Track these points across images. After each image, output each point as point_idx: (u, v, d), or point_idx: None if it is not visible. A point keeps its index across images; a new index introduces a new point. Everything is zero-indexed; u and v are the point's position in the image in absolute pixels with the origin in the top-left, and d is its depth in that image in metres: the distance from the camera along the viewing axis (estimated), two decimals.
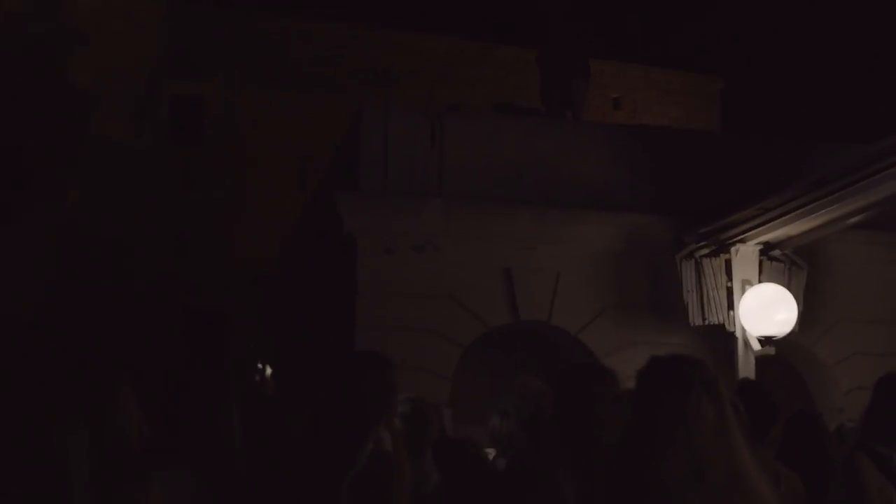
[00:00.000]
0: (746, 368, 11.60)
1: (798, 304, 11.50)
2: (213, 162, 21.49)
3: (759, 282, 11.72)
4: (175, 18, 21.48)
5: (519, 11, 24.87)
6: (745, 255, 11.80)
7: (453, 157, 12.31)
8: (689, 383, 3.35)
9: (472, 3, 25.08)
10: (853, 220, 10.87)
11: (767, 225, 11.35)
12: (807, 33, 22.34)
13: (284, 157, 21.82)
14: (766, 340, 11.48)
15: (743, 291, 11.69)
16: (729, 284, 11.83)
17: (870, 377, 12.40)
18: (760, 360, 11.60)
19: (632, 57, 24.99)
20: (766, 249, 11.83)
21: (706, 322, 11.88)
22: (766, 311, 11.40)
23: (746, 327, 11.53)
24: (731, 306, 11.80)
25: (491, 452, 6.23)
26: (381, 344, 11.66)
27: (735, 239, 11.75)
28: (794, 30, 23.21)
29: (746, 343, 11.65)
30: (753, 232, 11.56)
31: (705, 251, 11.97)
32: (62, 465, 3.43)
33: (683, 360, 3.53)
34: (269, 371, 8.29)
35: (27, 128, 17.89)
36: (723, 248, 11.88)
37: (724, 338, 11.89)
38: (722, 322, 11.82)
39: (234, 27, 21.75)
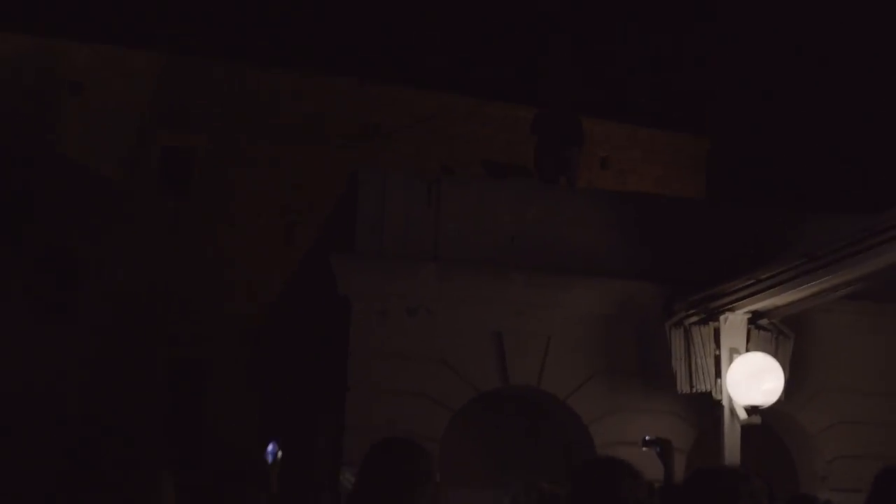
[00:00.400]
0: (732, 436, 11.72)
1: (784, 374, 11.64)
2: (201, 214, 21.57)
3: (747, 350, 11.85)
4: (168, 71, 21.63)
5: (510, 69, 25.18)
6: (734, 323, 11.94)
7: (449, 221, 12.47)
8: (736, 495, 3.42)
9: (462, 61, 25.32)
10: (841, 291, 11.05)
11: (757, 295, 11.51)
12: (799, 97, 22.63)
13: (272, 211, 21.91)
14: (752, 409, 11.61)
15: (731, 360, 11.82)
16: (717, 352, 11.96)
17: (853, 446, 12.65)
18: (746, 428, 11.72)
19: (619, 116, 25.24)
20: (755, 318, 11.97)
21: (694, 390, 12.00)
22: (754, 380, 11.53)
23: (733, 396, 11.65)
24: (718, 374, 11.92)
25: None
26: (371, 406, 11.81)
27: (724, 308, 11.89)
28: (786, 92, 23.50)
29: (733, 411, 11.76)
30: (742, 301, 11.71)
31: (695, 319, 12.11)
32: None
33: (729, 472, 3.61)
34: (279, 455, 8.19)
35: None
36: (712, 316, 12.02)
37: (710, 405, 12.02)
38: (709, 390, 11.94)
39: (227, 81, 21.90)
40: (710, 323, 12.04)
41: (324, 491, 11.90)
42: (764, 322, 12.01)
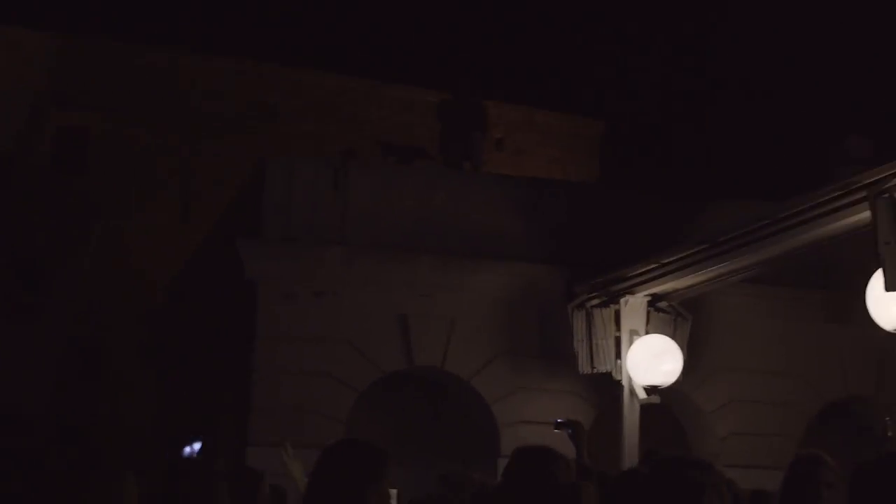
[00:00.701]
0: (632, 416, 12.02)
1: (683, 355, 11.98)
2: (96, 193, 21.28)
3: (646, 332, 12.16)
4: (64, 51, 21.29)
5: (406, 52, 25.27)
6: (634, 306, 12.24)
7: (355, 205, 12.58)
8: (701, 487, 3.55)
9: (359, 42, 25.34)
10: (739, 276, 11.41)
11: (658, 279, 11.83)
12: (696, 84, 23.10)
13: (167, 191, 21.72)
14: (651, 389, 11.92)
15: (630, 341, 12.11)
16: (617, 334, 12.25)
17: (745, 424, 13.07)
18: (644, 407, 12.03)
19: (515, 97, 25.49)
20: (654, 301, 12.28)
21: (595, 370, 12.28)
22: (653, 361, 11.84)
23: (633, 377, 11.95)
24: (618, 355, 12.21)
25: None
26: (278, 388, 11.90)
27: (625, 291, 12.18)
28: (683, 78, 23.96)
29: (632, 391, 12.06)
30: (643, 285, 12.02)
31: (596, 302, 12.38)
32: None
33: (693, 463, 3.73)
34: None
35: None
36: (613, 299, 12.31)
37: (610, 386, 12.31)
38: (610, 370, 12.22)
39: (123, 62, 21.63)
40: (611, 305, 12.32)
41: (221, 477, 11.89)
42: (663, 304, 12.32)
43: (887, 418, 7.11)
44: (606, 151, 25.97)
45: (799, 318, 13.37)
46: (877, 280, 8.55)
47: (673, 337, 12.15)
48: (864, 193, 8.71)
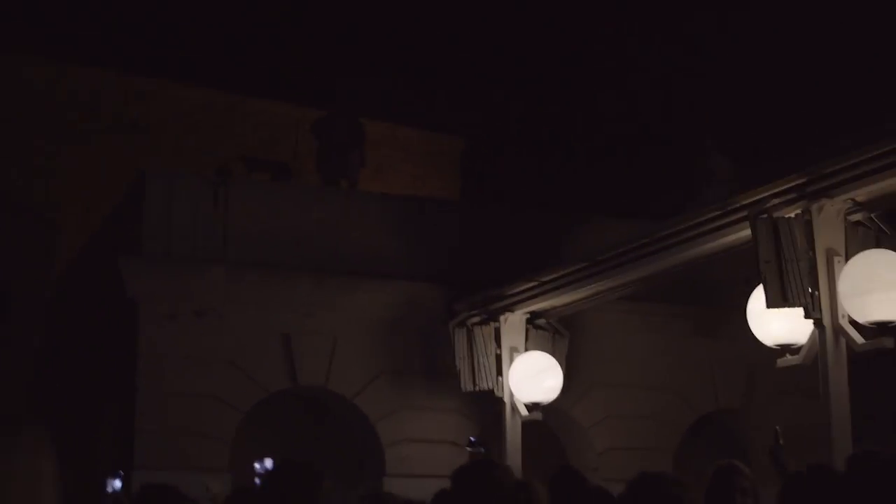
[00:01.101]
0: (514, 432, 12.21)
1: (562, 371, 12.22)
2: None
3: (526, 349, 12.38)
4: None
5: (270, 66, 25.13)
6: (513, 323, 12.44)
7: (236, 223, 12.53)
8: (680, 502, 3.74)
9: (222, 56, 25.11)
10: (618, 293, 11.72)
11: (538, 296, 12.06)
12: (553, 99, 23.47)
13: (27, 205, 21.19)
14: (533, 406, 12.13)
15: (511, 358, 12.32)
16: (498, 352, 12.43)
17: (622, 438, 13.37)
18: (525, 423, 12.24)
19: (378, 114, 25.57)
20: (533, 318, 12.51)
21: (477, 388, 12.42)
22: (535, 378, 12.06)
23: (516, 394, 12.15)
24: (500, 372, 12.39)
25: None
26: (162, 409, 11.76)
27: (504, 308, 12.38)
28: (536, 91, 24.34)
29: (514, 408, 12.26)
30: (522, 302, 12.24)
31: (476, 319, 12.55)
32: None
33: (670, 480, 3.93)
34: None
35: None
36: (492, 316, 12.49)
37: (492, 403, 12.50)
38: (491, 388, 12.39)
39: None
40: (491, 323, 12.50)
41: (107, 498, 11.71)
42: (541, 322, 12.55)
43: (776, 427, 7.40)
44: (466, 168, 26.24)
45: (671, 333, 13.75)
46: (757, 297, 8.90)
47: (552, 353, 12.39)
48: (744, 213, 9.06)
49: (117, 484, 9.83)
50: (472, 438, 8.80)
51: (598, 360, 13.33)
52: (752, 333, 9.04)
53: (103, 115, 22.09)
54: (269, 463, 7.05)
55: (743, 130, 16.32)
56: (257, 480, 7.03)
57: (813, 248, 8.41)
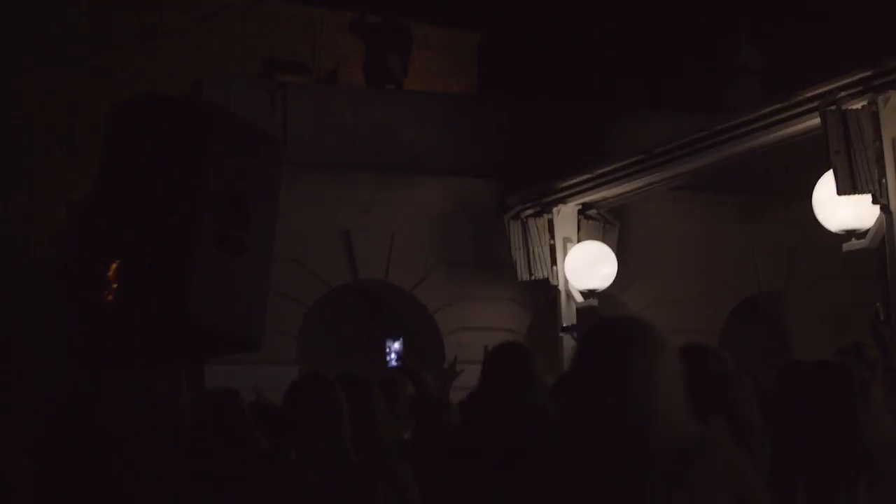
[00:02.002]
0: (569, 318, 12.71)
1: (616, 260, 12.69)
2: None
3: (579, 239, 12.84)
4: None
5: None
6: (566, 215, 12.89)
7: (293, 126, 12.83)
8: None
9: None
10: (667, 184, 12.15)
11: (589, 188, 12.49)
12: None
13: (53, 114, 21.37)
14: (589, 293, 12.64)
15: (565, 248, 12.79)
16: (552, 242, 12.90)
17: (669, 321, 13.86)
18: (581, 310, 12.74)
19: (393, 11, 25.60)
20: (584, 209, 12.96)
21: (532, 277, 12.91)
22: (590, 266, 12.54)
23: (572, 281, 12.64)
24: (553, 262, 12.88)
25: None
26: None
27: (557, 200, 12.81)
28: None
29: (569, 295, 12.77)
30: (575, 195, 12.67)
31: (530, 212, 12.99)
32: None
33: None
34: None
35: None
36: (545, 208, 12.94)
37: (547, 291, 13.00)
38: (546, 276, 12.88)
39: None
40: (544, 215, 12.95)
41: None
42: (593, 212, 13.01)
43: (878, 303, 7.78)
44: (483, 62, 26.39)
45: (715, 220, 14.18)
46: (823, 185, 9.33)
47: (603, 242, 12.86)
48: (808, 106, 9.47)
49: None
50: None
51: (646, 247, 13.74)
52: (805, 218, 9.47)
53: (119, 23, 22.13)
54: (397, 345, 7.24)
55: (775, 24, 16.52)
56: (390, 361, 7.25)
57: (880, 138, 8.82)
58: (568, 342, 12.38)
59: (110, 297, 3.62)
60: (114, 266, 3.64)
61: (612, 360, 3.14)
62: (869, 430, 3.89)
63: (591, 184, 12.42)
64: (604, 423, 3.06)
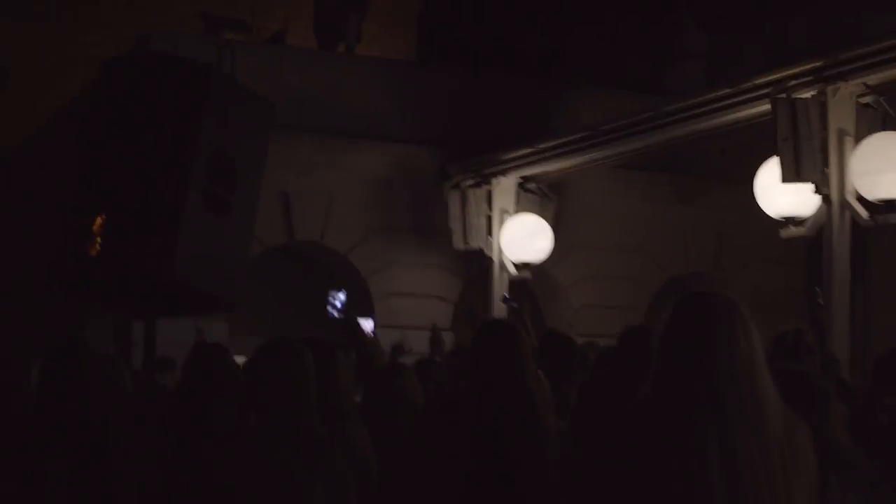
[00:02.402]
0: (500, 289, 12.78)
1: (552, 234, 12.78)
2: None
3: (516, 212, 12.91)
4: None
5: None
6: (505, 187, 12.96)
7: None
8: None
9: None
10: (610, 161, 12.28)
11: (530, 162, 12.57)
12: None
13: None
14: (523, 266, 12.73)
15: (501, 220, 12.87)
16: (489, 213, 12.98)
17: (597, 297, 14.04)
18: (514, 282, 12.82)
19: None
20: (523, 183, 13.03)
21: (468, 247, 12.98)
22: (526, 239, 12.63)
23: (507, 253, 12.72)
24: (490, 233, 12.95)
25: None
26: None
27: (497, 172, 12.88)
28: None
29: (502, 266, 12.85)
30: (516, 167, 12.74)
31: (470, 182, 13.05)
32: None
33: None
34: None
35: None
36: (485, 180, 13.00)
37: (478, 261, 13.09)
38: (482, 247, 12.94)
39: None
40: (484, 186, 13.02)
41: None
42: (531, 186, 13.09)
43: (816, 288, 7.98)
44: (424, 29, 26.27)
45: (649, 199, 14.37)
46: (766, 172, 9.49)
47: (540, 216, 12.94)
48: (757, 93, 9.62)
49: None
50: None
51: (580, 223, 13.86)
52: (737, 202, 9.63)
53: None
54: (342, 296, 7.01)
55: (718, 7, 16.67)
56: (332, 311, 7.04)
57: (826, 128, 9.00)
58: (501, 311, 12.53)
59: (93, 252, 3.59)
60: (98, 220, 3.60)
61: (723, 331, 3.31)
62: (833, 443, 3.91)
63: (533, 158, 12.52)
64: (717, 388, 3.23)
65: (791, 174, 9.01)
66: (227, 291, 3.84)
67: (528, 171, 12.83)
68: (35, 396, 4.74)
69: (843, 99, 9.02)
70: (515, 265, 12.75)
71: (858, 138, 8.91)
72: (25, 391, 5.30)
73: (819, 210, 9.10)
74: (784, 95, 9.18)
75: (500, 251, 12.81)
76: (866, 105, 9.09)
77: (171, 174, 3.59)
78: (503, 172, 12.87)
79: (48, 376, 4.53)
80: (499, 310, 12.64)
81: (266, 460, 4.28)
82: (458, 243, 13.01)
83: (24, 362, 6.41)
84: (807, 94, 9.09)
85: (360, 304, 13.37)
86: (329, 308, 7.19)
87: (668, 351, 3.43)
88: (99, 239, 3.54)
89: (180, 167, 3.63)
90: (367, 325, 7.20)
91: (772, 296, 14.18)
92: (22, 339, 11.17)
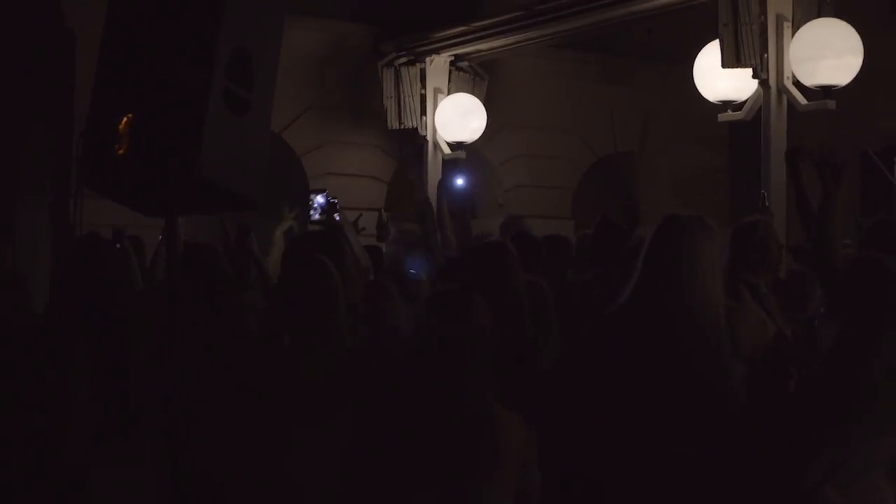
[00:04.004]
0: (434, 169, 12.89)
1: (485, 114, 12.88)
2: None
3: (449, 91, 12.98)
4: None
5: None
6: (438, 65, 12.99)
7: None
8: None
9: None
10: (542, 41, 12.36)
11: (464, 42, 12.60)
12: None
13: None
14: (457, 145, 12.84)
15: (435, 99, 12.92)
16: (423, 92, 13.01)
17: (528, 176, 14.25)
18: (447, 161, 12.95)
19: None
20: (456, 61, 13.07)
21: (402, 126, 13.01)
22: (460, 119, 12.71)
23: (441, 133, 12.80)
24: (424, 112, 13.01)
25: None
26: None
27: (431, 51, 12.90)
28: None
29: (436, 145, 12.95)
30: (449, 46, 12.77)
31: (403, 60, 13.04)
32: None
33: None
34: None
35: None
36: (419, 58, 13.01)
37: (413, 140, 13.17)
38: (416, 126, 13.01)
39: None
40: (417, 64, 13.03)
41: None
42: (464, 65, 13.13)
43: (763, 192, 8.22)
44: None
45: (579, 79, 14.49)
46: (705, 55, 9.69)
47: (472, 95, 13.03)
48: None
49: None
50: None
51: (511, 102, 13.92)
52: (663, 82, 9.81)
53: None
54: (321, 199, 7.14)
55: None
56: (313, 214, 7.18)
57: (765, 13, 9.17)
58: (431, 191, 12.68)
59: (121, 151, 3.66)
60: (125, 120, 3.67)
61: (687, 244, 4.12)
62: None
63: (468, 37, 12.53)
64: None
65: (731, 59, 9.22)
66: (248, 190, 3.93)
67: (460, 50, 12.84)
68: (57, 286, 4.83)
69: None
70: (450, 145, 12.86)
71: (796, 24, 9.13)
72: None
73: (756, 94, 9.35)
74: None
75: (434, 131, 12.90)
76: None
77: (193, 73, 3.64)
78: (437, 51, 12.86)
79: (70, 269, 4.62)
80: (431, 192, 12.80)
81: (301, 380, 4.39)
82: (392, 122, 13.02)
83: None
84: None
85: (293, 183, 13.44)
86: (311, 212, 7.33)
87: (644, 264, 4.21)
88: (127, 139, 3.60)
89: (203, 66, 3.67)
90: (320, 199, 7.23)
91: (696, 175, 14.59)
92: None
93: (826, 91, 8.92)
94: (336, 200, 7.12)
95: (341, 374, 4.26)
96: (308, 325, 4.44)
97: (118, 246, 6.92)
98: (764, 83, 9.22)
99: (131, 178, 3.79)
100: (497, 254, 5.21)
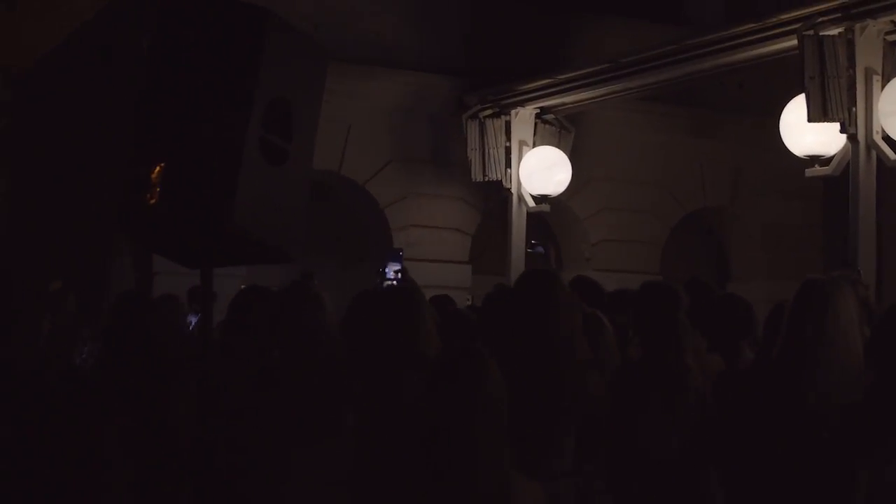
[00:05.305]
0: (519, 222, 12.80)
1: (570, 166, 12.74)
2: None
3: (534, 143, 12.87)
4: None
5: None
6: (523, 117, 12.89)
7: None
8: None
9: None
10: (631, 94, 12.20)
11: (549, 94, 12.50)
12: None
13: None
14: (541, 198, 12.71)
15: (520, 151, 12.82)
16: (507, 144, 12.92)
17: (614, 231, 14.03)
18: (531, 214, 12.83)
19: None
20: (541, 113, 12.97)
21: (486, 178, 12.93)
22: (545, 171, 12.60)
23: (526, 185, 12.69)
24: (508, 164, 12.91)
25: None
26: None
27: (516, 103, 12.81)
28: None
29: (521, 199, 12.83)
30: (534, 98, 12.67)
31: (488, 112, 12.98)
32: None
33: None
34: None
35: None
36: (503, 110, 12.93)
37: (496, 193, 13.07)
38: (500, 178, 12.91)
39: None
40: (502, 116, 12.95)
41: None
42: (549, 117, 13.02)
43: (859, 269, 7.92)
44: None
45: (667, 132, 14.25)
46: (791, 109, 9.45)
47: (558, 148, 12.91)
48: (792, 27, 9.51)
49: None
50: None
51: (597, 155, 13.78)
52: (754, 136, 9.57)
53: None
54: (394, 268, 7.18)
55: None
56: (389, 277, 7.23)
57: (853, 66, 8.92)
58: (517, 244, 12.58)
59: (153, 201, 3.59)
60: (158, 169, 3.60)
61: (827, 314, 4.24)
62: None
63: (553, 89, 12.44)
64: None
65: (818, 113, 8.97)
66: (283, 242, 3.83)
67: (546, 102, 12.75)
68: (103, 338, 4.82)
69: (871, 37, 8.94)
70: (534, 198, 12.74)
71: (886, 77, 8.86)
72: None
73: (844, 149, 9.08)
74: (811, 32, 9.08)
75: (519, 183, 12.79)
76: (894, 43, 9.04)
77: (228, 120, 3.57)
78: (522, 103, 12.79)
79: (116, 322, 4.59)
80: (517, 241, 12.69)
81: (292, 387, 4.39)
82: (476, 175, 12.96)
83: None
84: (834, 32, 9.01)
85: (377, 235, 13.41)
86: (385, 281, 7.42)
87: (788, 326, 4.33)
88: (158, 189, 3.54)
89: (238, 115, 3.59)
90: (395, 266, 7.26)
91: (788, 229, 14.24)
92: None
93: None
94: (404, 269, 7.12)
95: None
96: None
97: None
98: (852, 137, 8.96)
99: (163, 227, 3.72)
100: (545, 277, 5.11)
